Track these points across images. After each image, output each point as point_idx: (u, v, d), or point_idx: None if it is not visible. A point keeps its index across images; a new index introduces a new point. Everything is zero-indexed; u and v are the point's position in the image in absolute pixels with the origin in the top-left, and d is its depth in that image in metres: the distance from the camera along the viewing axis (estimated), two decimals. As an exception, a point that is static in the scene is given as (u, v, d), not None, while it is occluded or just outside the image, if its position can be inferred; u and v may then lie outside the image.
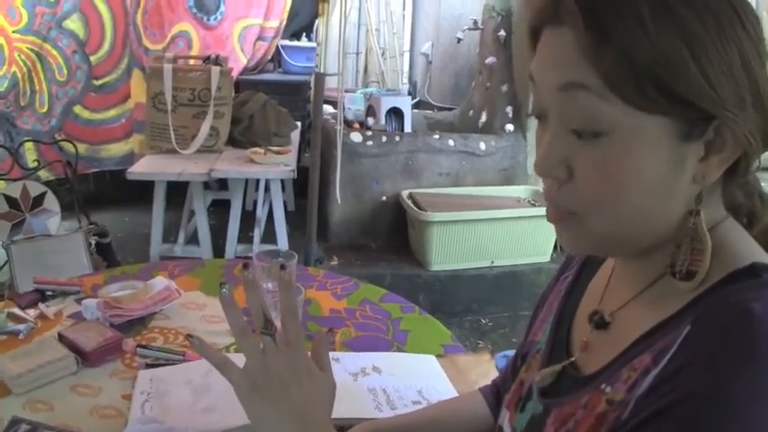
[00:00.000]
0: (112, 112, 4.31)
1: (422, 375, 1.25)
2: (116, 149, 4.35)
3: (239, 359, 0.75)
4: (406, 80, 5.98)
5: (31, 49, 3.91)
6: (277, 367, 0.73)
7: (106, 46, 4.21)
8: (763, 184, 0.68)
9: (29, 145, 3.74)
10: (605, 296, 0.74)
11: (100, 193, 4.41)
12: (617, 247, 0.67)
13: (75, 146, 3.06)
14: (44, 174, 3.50)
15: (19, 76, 3.83)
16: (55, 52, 4.01)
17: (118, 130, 4.34)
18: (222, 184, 4.07)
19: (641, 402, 0.58)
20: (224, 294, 0.76)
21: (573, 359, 0.73)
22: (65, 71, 4.09)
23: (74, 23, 4.05)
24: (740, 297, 0.57)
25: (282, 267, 0.81)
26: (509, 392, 0.85)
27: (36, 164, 3.19)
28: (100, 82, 4.24)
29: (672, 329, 0.59)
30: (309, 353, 0.79)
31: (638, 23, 0.55)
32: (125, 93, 4.31)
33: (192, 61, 3.68)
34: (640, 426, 0.56)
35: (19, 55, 3.80)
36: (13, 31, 3.79)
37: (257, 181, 4.09)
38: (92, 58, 4.17)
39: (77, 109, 4.19)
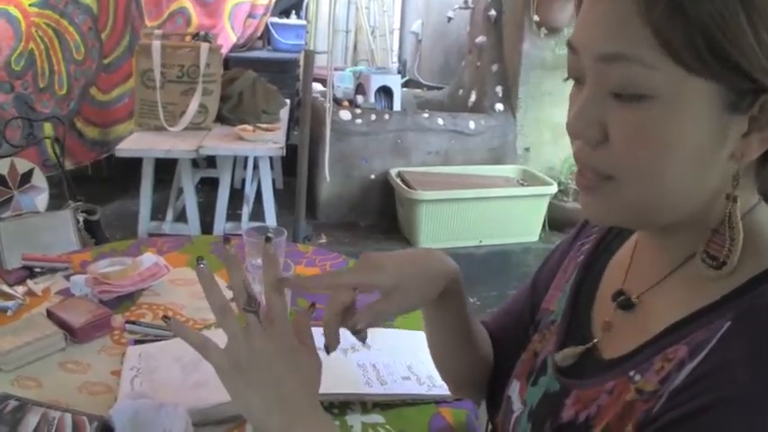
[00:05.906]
0: (116, 92, 4.20)
1: (411, 351, 1.26)
2: (122, 130, 4.17)
3: (223, 335, 0.73)
4: (395, 59, 5.95)
5: (48, 25, 3.75)
6: (261, 346, 0.71)
7: (110, 22, 4.09)
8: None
9: (48, 129, 3.64)
10: (629, 276, 0.72)
11: (92, 172, 4.37)
12: (646, 219, 0.64)
13: (62, 122, 3.04)
14: (66, 162, 3.41)
15: (36, 53, 3.67)
16: (72, 29, 3.85)
17: (122, 110, 4.22)
18: (210, 161, 4.06)
19: (675, 398, 0.56)
20: (201, 270, 0.73)
21: (596, 341, 0.71)
22: (82, 49, 3.94)
23: None
24: None
25: (267, 240, 0.78)
26: (520, 362, 0.83)
27: (53, 148, 3.12)
28: (107, 60, 4.13)
29: (708, 322, 0.58)
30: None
31: None
32: (128, 71, 4.16)
33: (188, 38, 3.64)
34: (674, 424, 0.55)
35: (36, 31, 3.65)
36: (30, 5, 3.63)
37: (245, 159, 4.08)
38: (102, 36, 4.05)
39: (93, 90, 4.06)
